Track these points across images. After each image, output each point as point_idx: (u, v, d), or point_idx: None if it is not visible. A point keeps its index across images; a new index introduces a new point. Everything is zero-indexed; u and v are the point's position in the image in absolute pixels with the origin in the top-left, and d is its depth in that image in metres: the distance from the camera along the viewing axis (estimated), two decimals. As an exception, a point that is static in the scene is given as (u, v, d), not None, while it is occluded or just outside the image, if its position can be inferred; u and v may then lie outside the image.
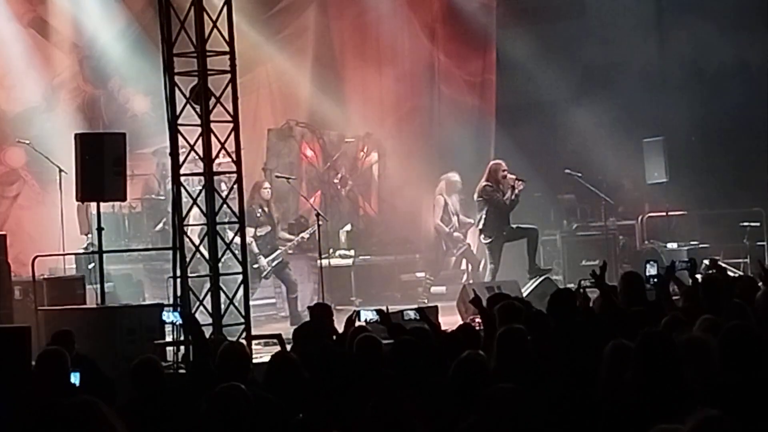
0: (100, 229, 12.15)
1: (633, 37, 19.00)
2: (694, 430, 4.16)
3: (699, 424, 4.16)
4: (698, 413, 4.22)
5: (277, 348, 10.91)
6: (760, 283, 9.60)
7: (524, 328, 7.05)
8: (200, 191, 11.37)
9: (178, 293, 11.03)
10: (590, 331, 7.56)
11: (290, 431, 6.08)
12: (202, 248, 11.55)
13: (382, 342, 7.48)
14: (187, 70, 11.25)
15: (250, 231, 13.86)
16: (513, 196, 14.50)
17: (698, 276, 9.95)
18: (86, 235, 15.31)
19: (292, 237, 15.40)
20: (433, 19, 19.34)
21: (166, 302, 11.63)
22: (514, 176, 14.67)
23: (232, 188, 11.57)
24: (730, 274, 11.49)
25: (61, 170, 14.78)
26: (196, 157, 11.36)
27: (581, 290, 8.98)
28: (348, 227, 17.65)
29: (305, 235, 15.37)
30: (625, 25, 18.87)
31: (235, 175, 11.47)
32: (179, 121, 11.10)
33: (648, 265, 9.91)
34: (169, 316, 10.74)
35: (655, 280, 9.57)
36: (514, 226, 14.77)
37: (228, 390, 5.85)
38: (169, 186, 12.17)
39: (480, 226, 14.78)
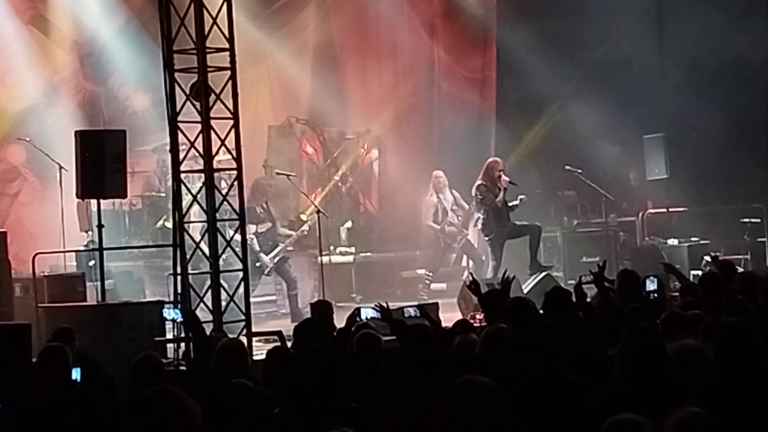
0: (100, 227, 12.14)
1: (633, 34, 19.00)
2: (676, 428, 4.14)
3: (680, 422, 4.14)
4: (679, 411, 4.19)
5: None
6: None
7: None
8: (200, 188, 11.37)
9: (179, 290, 11.03)
10: (586, 329, 7.57)
11: (282, 425, 6.07)
12: (202, 245, 11.54)
13: (383, 338, 7.49)
14: (187, 67, 11.24)
15: (251, 228, 13.87)
16: (504, 198, 14.54)
17: (697, 272, 9.96)
18: (86, 232, 15.30)
19: (291, 232, 15.42)
20: (433, 16, 19.35)
21: (166, 299, 11.63)
22: (507, 179, 14.66)
23: (232, 185, 11.56)
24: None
25: (61, 167, 14.78)
26: (197, 154, 11.36)
27: (579, 287, 8.98)
28: (348, 224, 17.66)
29: (305, 228, 15.39)
30: (625, 22, 18.87)
31: (235, 172, 11.47)
32: (179, 118, 11.10)
33: (648, 281, 9.81)
34: (170, 313, 10.75)
35: (655, 295, 9.51)
36: (516, 222, 14.78)
37: (225, 387, 5.85)
38: (170, 183, 12.17)
39: (480, 225, 14.81)
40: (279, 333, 11.13)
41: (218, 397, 5.82)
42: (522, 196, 14.84)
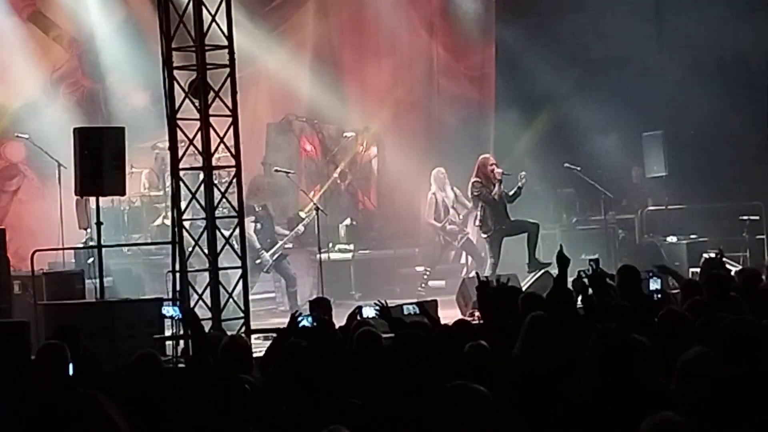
0: (99, 224, 12.13)
1: (632, 31, 18.98)
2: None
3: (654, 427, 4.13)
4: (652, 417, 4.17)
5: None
6: (763, 276, 9.57)
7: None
8: (199, 185, 11.36)
9: (178, 288, 11.03)
10: (588, 327, 7.56)
11: (285, 424, 6.07)
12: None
13: (383, 336, 7.48)
14: (186, 65, 11.24)
15: (250, 226, 13.86)
16: (500, 190, 14.54)
17: (696, 270, 9.93)
18: (85, 229, 15.29)
19: (286, 233, 15.43)
20: (432, 13, 19.35)
21: (165, 297, 11.63)
22: (500, 170, 14.68)
23: (231, 182, 11.56)
24: (730, 267, 11.42)
25: (60, 165, 14.77)
26: (195, 151, 11.35)
27: (579, 282, 8.95)
28: (347, 221, 17.66)
29: (299, 229, 15.39)
30: (624, 19, 18.86)
31: (234, 169, 11.46)
32: (178, 116, 11.09)
33: (651, 281, 9.70)
34: (169, 311, 10.74)
35: (659, 295, 9.41)
36: (514, 219, 14.78)
37: (231, 382, 5.84)
38: (168, 180, 12.16)
39: (477, 223, 14.82)
40: (278, 330, 11.02)
41: (225, 391, 5.80)
42: (522, 173, 14.77)
